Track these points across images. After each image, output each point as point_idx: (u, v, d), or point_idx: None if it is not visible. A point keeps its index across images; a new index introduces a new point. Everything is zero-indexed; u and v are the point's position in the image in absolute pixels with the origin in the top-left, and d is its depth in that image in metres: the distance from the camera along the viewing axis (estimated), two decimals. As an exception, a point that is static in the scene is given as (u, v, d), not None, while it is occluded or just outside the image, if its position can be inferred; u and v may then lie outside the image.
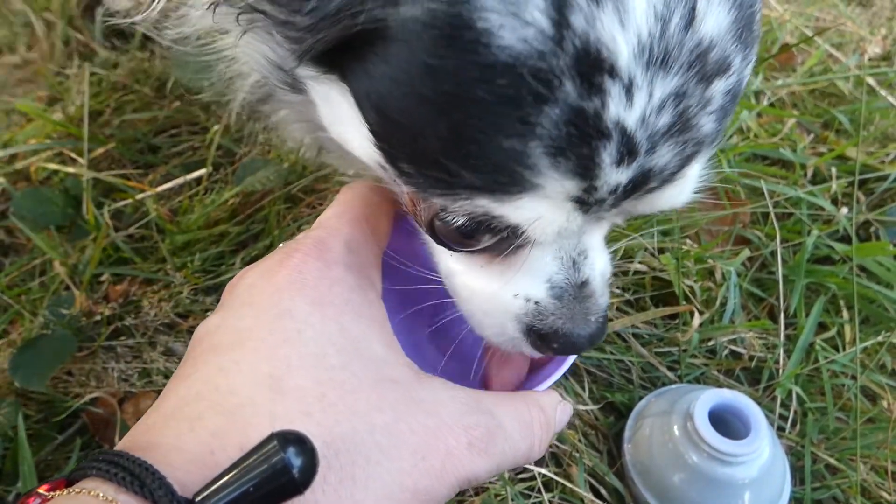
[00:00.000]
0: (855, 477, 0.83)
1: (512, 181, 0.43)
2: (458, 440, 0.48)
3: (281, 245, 0.55)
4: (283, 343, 0.46)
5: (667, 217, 0.99)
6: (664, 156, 0.44)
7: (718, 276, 0.98)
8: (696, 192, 0.51)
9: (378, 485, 0.43)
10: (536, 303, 0.54)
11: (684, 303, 0.94)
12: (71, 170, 1.01)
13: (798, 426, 0.90)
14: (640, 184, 0.45)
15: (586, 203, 0.45)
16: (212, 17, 0.54)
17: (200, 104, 1.07)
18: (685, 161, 0.46)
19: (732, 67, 0.44)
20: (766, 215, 1.04)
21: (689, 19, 0.40)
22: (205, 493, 0.36)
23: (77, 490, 0.38)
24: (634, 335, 0.93)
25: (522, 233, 0.47)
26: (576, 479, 0.80)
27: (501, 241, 0.49)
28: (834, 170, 1.11)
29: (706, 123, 0.45)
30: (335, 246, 0.53)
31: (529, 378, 0.62)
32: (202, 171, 1.02)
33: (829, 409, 0.89)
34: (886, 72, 1.29)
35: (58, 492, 0.38)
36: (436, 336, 0.62)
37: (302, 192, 1.02)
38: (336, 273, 0.51)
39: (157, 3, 0.65)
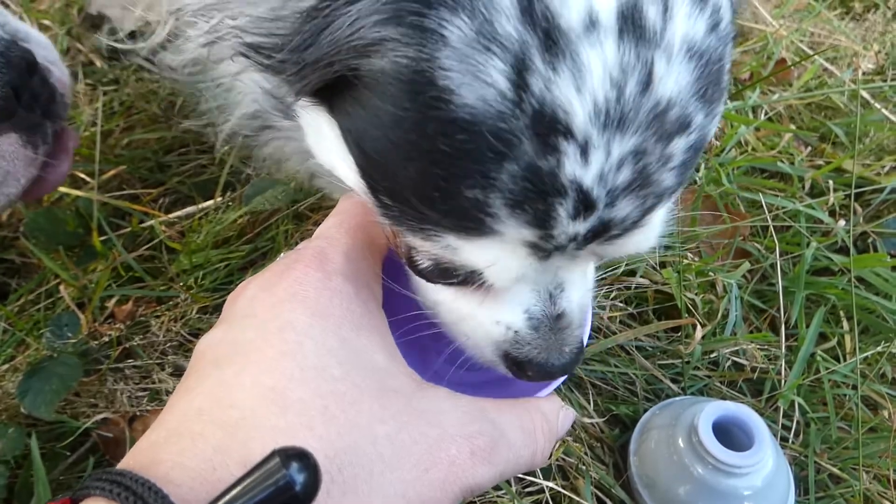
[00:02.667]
0: (858, 486, 0.84)
1: (474, 226, 0.45)
2: (461, 450, 0.48)
3: (282, 255, 0.55)
4: (285, 356, 0.46)
5: (668, 232, 1.01)
6: (624, 209, 0.45)
7: (720, 288, 1.00)
8: (662, 237, 0.52)
9: (381, 497, 0.43)
10: (515, 332, 0.56)
11: (686, 316, 0.95)
12: (81, 193, 1.03)
13: (801, 436, 0.91)
14: (602, 232, 0.47)
15: (543, 249, 0.47)
16: (208, 51, 0.56)
17: (208, 124, 1.09)
18: (646, 211, 0.47)
19: (693, 125, 0.45)
20: (765, 228, 1.06)
21: (646, 83, 0.42)
22: None
23: None
24: (638, 348, 0.94)
25: (482, 276, 0.49)
26: (583, 492, 0.81)
27: (468, 281, 0.52)
28: (831, 182, 1.13)
29: (667, 178, 0.46)
30: (335, 256, 0.53)
31: (531, 385, 0.63)
32: (211, 203, 1.04)
33: (831, 419, 0.90)
34: (881, 85, 1.32)
35: None
36: (439, 342, 0.63)
37: (309, 209, 1.04)
38: (336, 284, 0.51)
39: (163, 29, 0.68)
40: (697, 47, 0.44)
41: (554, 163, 0.42)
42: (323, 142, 0.54)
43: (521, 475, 0.82)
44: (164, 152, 1.13)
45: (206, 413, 0.44)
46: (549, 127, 0.41)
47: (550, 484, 0.81)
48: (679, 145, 0.45)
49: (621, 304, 0.98)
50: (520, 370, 0.57)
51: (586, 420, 0.87)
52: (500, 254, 0.47)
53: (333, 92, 0.48)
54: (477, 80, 0.41)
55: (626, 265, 0.98)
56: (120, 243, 0.97)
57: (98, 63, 1.26)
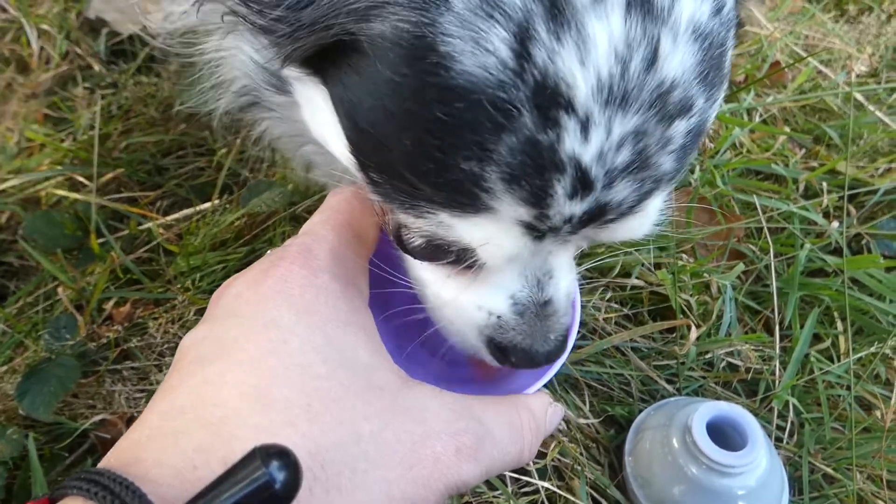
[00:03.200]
0: (852, 486, 0.84)
1: (469, 201, 0.44)
2: (446, 447, 0.48)
3: (268, 252, 0.54)
4: (269, 354, 0.46)
5: (663, 233, 1.01)
6: (622, 191, 0.45)
7: (714, 289, 1.01)
8: (657, 225, 0.51)
9: (364, 494, 0.43)
10: (498, 317, 0.55)
11: (681, 317, 0.96)
12: (80, 196, 1.03)
13: (795, 436, 0.91)
14: (597, 215, 0.46)
15: (537, 230, 0.46)
16: (196, 15, 0.54)
17: (206, 126, 1.10)
18: (643, 196, 0.46)
19: (695, 108, 0.44)
20: (759, 229, 1.06)
21: (651, 60, 0.41)
22: None
23: None
24: (633, 349, 0.95)
25: (474, 255, 0.48)
26: (578, 492, 0.82)
27: (460, 260, 0.51)
28: (825, 184, 1.13)
29: (666, 162, 0.45)
30: (321, 253, 0.52)
31: (518, 380, 0.62)
32: (208, 205, 1.04)
33: (825, 419, 0.91)
34: (875, 88, 1.32)
35: None
36: (426, 339, 0.62)
37: (306, 211, 1.04)
38: (321, 281, 0.50)
39: (172, 23, 0.66)
40: (703, 29, 0.43)
41: (553, 137, 0.41)
42: (316, 115, 0.53)
43: (516, 475, 0.82)
44: (162, 155, 1.14)
45: (188, 411, 0.43)
46: (551, 99, 0.40)
47: (546, 484, 0.81)
48: (680, 128, 0.44)
49: (616, 306, 0.98)
50: (503, 356, 0.56)
51: (582, 421, 0.88)
52: (494, 232, 0.46)
53: (327, 60, 0.47)
54: (478, 48, 0.40)
55: (622, 267, 0.99)
56: (118, 246, 0.98)
57: (96, 67, 1.27)
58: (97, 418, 0.84)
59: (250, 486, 0.34)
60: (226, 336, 0.48)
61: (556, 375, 0.61)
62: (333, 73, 0.48)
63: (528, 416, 0.55)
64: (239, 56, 0.61)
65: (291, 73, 0.52)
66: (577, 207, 0.44)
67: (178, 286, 0.96)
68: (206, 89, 0.71)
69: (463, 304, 0.56)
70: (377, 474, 0.44)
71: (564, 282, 0.55)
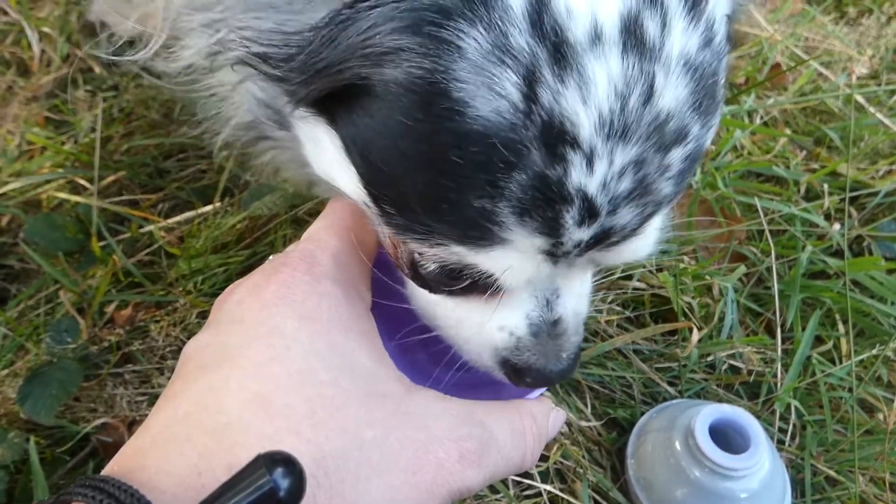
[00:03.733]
0: (854, 488, 0.84)
1: (482, 236, 0.46)
2: (449, 453, 0.48)
3: (271, 257, 0.55)
4: (272, 360, 0.46)
5: (664, 238, 1.01)
6: (625, 216, 0.47)
7: (716, 292, 1.00)
8: (658, 244, 0.54)
9: (368, 501, 0.43)
10: (518, 338, 0.56)
11: (683, 319, 0.96)
12: (81, 199, 1.03)
13: (797, 439, 0.91)
14: (603, 239, 0.48)
15: (555, 255, 0.48)
16: (209, 61, 0.56)
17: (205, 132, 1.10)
18: (645, 219, 0.49)
19: (690, 136, 0.46)
20: (761, 232, 1.06)
21: (648, 96, 0.43)
22: None
23: None
24: (635, 351, 0.95)
25: (495, 280, 0.50)
26: (580, 494, 0.81)
27: (476, 284, 0.52)
28: (826, 186, 1.13)
29: (665, 187, 0.48)
30: (323, 259, 0.53)
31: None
32: (209, 208, 1.04)
33: (827, 421, 0.91)
34: (875, 90, 1.33)
35: None
36: (429, 345, 0.63)
37: (307, 214, 1.04)
38: (324, 287, 0.51)
39: (158, 41, 0.67)
40: (692, 61, 0.45)
41: (561, 171, 0.43)
42: (322, 153, 0.54)
43: (518, 478, 0.82)
44: (164, 158, 1.14)
45: (192, 418, 0.43)
46: (558, 137, 0.42)
47: (548, 487, 0.81)
48: (677, 155, 0.46)
49: (619, 308, 0.98)
50: (518, 376, 0.57)
51: (584, 423, 0.88)
52: (513, 259, 0.48)
53: (336, 101, 0.48)
54: (491, 93, 0.41)
55: (623, 269, 0.99)
56: (119, 249, 0.98)
57: (97, 69, 1.27)
58: (99, 422, 0.84)
59: (255, 494, 0.35)
60: (229, 342, 0.48)
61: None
62: (344, 114, 0.49)
63: (531, 422, 0.56)
64: (241, 92, 0.62)
65: (296, 112, 0.53)
66: (585, 233, 0.46)
67: (180, 289, 0.96)
68: (209, 119, 0.71)
69: (482, 324, 0.57)
70: (381, 481, 0.44)
71: (572, 301, 0.57)
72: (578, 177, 0.43)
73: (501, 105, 0.41)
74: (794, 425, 0.91)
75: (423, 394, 0.51)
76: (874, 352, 0.95)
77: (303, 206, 1.03)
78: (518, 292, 0.54)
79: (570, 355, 0.57)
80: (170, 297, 0.96)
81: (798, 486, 0.86)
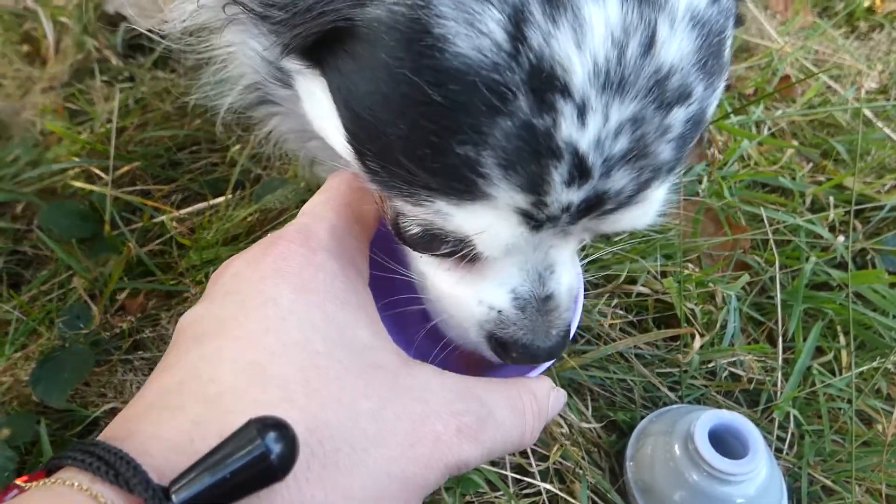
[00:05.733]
0: (850, 499, 0.85)
1: (465, 188, 0.44)
2: (447, 427, 0.47)
3: (270, 234, 0.54)
4: (267, 331, 0.45)
5: (670, 241, 1.03)
6: (620, 180, 0.44)
7: (719, 299, 1.01)
8: (660, 216, 0.50)
9: (363, 472, 0.43)
10: (499, 311, 0.54)
11: (685, 325, 0.97)
12: (95, 188, 1.05)
13: (795, 448, 0.92)
14: (596, 205, 0.45)
15: (535, 219, 0.45)
16: (198, 4, 0.54)
17: (221, 123, 1.11)
18: (642, 186, 0.46)
19: (694, 95, 0.44)
20: (765, 241, 1.07)
21: (648, 46, 0.41)
22: (182, 482, 0.35)
23: (52, 480, 0.38)
24: (637, 356, 0.96)
25: (471, 245, 0.48)
26: (579, 495, 0.82)
27: (458, 250, 0.50)
28: (832, 199, 1.14)
29: (664, 150, 0.45)
30: (320, 233, 0.52)
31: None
32: (221, 200, 1.05)
33: (825, 431, 0.92)
34: (884, 105, 1.33)
35: (34, 483, 0.38)
36: (427, 320, 0.62)
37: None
38: (320, 260, 0.50)
39: (183, 21, 0.67)
40: (700, 16, 0.42)
41: (549, 122, 0.40)
42: (316, 107, 0.53)
43: (518, 476, 0.83)
44: (177, 150, 1.15)
45: (185, 387, 0.43)
46: (546, 83, 0.40)
47: (548, 486, 0.82)
48: (678, 116, 0.44)
49: (622, 312, 0.99)
50: (504, 351, 0.55)
51: (584, 425, 0.89)
52: (491, 220, 0.45)
53: (325, 49, 0.47)
54: (473, 29, 0.39)
55: (628, 274, 1.00)
56: (132, 238, 0.99)
57: (114, 60, 1.28)
58: (108, 407, 0.85)
59: (246, 458, 0.34)
60: (224, 314, 0.47)
61: (557, 368, 0.60)
62: (331, 62, 0.48)
63: (531, 399, 0.55)
64: (245, 51, 0.61)
65: (293, 65, 0.52)
66: (575, 195, 0.44)
67: (190, 279, 0.97)
68: (214, 84, 0.71)
69: (463, 297, 0.55)
70: (377, 452, 0.44)
71: (567, 276, 0.55)
72: (569, 129, 0.40)
73: (483, 43, 0.39)
74: (793, 434, 0.92)
75: (421, 368, 0.50)
76: (874, 364, 0.96)
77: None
78: (504, 264, 0.52)
79: (560, 332, 0.55)
80: (180, 286, 0.97)
81: (795, 495, 0.87)
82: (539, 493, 0.82)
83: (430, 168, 0.44)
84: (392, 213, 0.53)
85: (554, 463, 0.84)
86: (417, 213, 0.48)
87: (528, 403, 0.54)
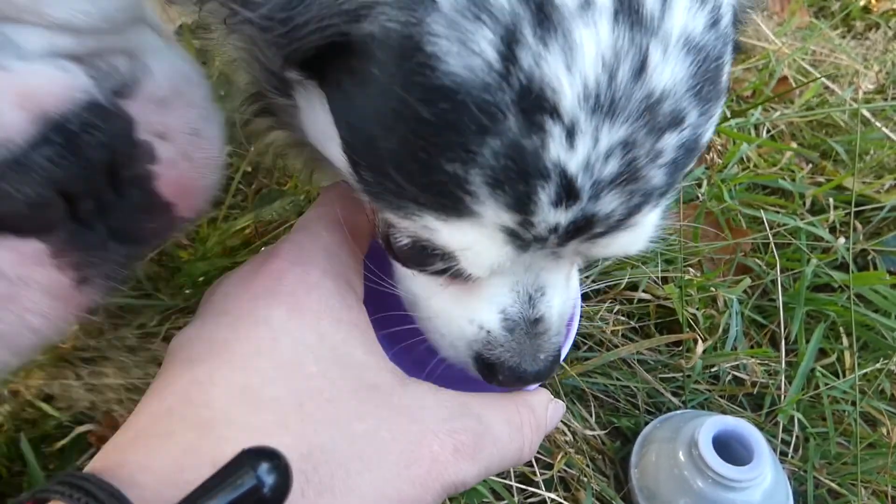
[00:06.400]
0: (856, 502, 0.85)
1: (452, 204, 0.44)
2: (444, 446, 0.47)
3: (263, 249, 0.54)
4: (258, 353, 0.45)
5: (671, 246, 1.02)
6: (609, 203, 0.44)
7: (721, 303, 1.01)
8: (652, 242, 0.50)
9: (359, 496, 0.42)
10: (488, 332, 0.53)
11: (688, 330, 0.96)
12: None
13: (800, 451, 0.92)
14: (585, 228, 0.45)
15: (521, 238, 0.45)
16: (198, 14, 0.53)
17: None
18: (633, 210, 0.46)
19: (687, 121, 0.44)
20: (766, 244, 1.07)
21: (639, 70, 0.41)
22: None
23: None
24: (640, 361, 0.95)
25: (457, 262, 0.48)
26: (584, 503, 0.82)
27: (448, 267, 0.49)
28: (832, 200, 1.14)
29: (656, 175, 0.45)
30: (314, 250, 0.51)
31: None
32: (218, 211, 1.05)
33: (830, 434, 0.91)
34: (882, 105, 1.33)
35: None
36: (421, 337, 0.61)
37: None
38: (314, 278, 0.50)
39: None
40: (696, 42, 0.42)
41: (538, 143, 0.40)
42: (314, 116, 0.53)
43: (522, 485, 0.83)
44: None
45: (176, 413, 0.42)
46: (536, 104, 0.40)
47: (552, 495, 0.82)
48: (670, 141, 0.44)
49: (624, 318, 0.99)
50: (490, 373, 0.55)
51: (588, 432, 0.88)
52: (477, 237, 0.45)
53: (324, 62, 0.47)
54: (465, 49, 0.40)
55: (629, 279, 1.00)
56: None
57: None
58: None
59: (237, 491, 0.34)
60: (215, 336, 0.47)
61: (560, 375, 0.59)
62: (330, 74, 0.48)
63: (528, 413, 0.54)
64: (245, 56, 0.61)
65: (293, 76, 0.52)
66: (563, 217, 0.43)
67: (185, 295, 0.97)
68: (217, 89, 0.70)
69: (454, 316, 0.55)
70: (372, 475, 0.43)
71: (558, 300, 0.54)
72: (557, 151, 0.41)
73: (475, 63, 0.40)
74: (798, 437, 0.92)
75: (417, 385, 0.50)
76: (878, 365, 0.95)
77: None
78: (495, 283, 0.52)
79: (549, 357, 0.54)
80: (180, 300, 0.97)
81: (801, 498, 0.86)
82: (544, 501, 0.82)
83: (419, 183, 0.44)
84: (383, 225, 0.53)
85: (558, 471, 0.84)
86: (406, 227, 0.48)
87: (526, 417, 0.54)
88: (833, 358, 0.99)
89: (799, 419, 0.92)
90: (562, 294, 0.55)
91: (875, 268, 1.10)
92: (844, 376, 0.97)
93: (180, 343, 0.48)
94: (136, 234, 0.45)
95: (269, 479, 0.34)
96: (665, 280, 1.01)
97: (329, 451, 0.42)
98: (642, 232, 0.48)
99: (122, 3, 0.43)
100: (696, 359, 0.94)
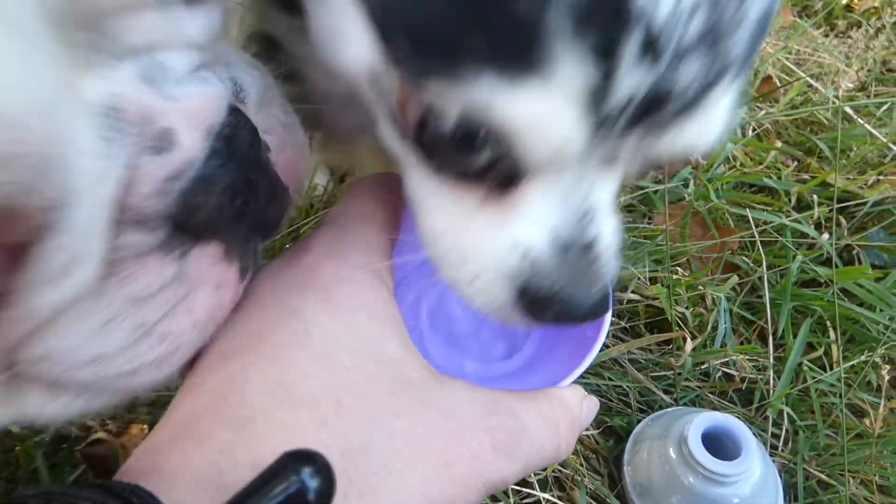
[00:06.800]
0: (844, 492, 0.87)
1: (522, 54, 0.38)
2: (482, 443, 0.45)
3: (288, 246, 0.54)
4: (293, 346, 0.44)
5: (658, 247, 1.05)
6: (688, 71, 0.39)
7: (709, 301, 1.03)
8: (724, 133, 0.45)
9: (401, 497, 0.41)
10: (535, 257, 0.46)
11: (677, 329, 0.99)
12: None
13: (790, 444, 0.94)
14: (658, 103, 0.40)
15: (597, 109, 0.39)
16: None
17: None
18: (709, 84, 0.41)
19: None
20: (753, 242, 1.09)
21: None
22: None
23: None
24: (631, 361, 0.98)
25: (513, 150, 0.42)
26: (579, 502, 0.84)
27: (495, 164, 0.44)
28: (815, 197, 1.16)
29: (737, 43, 0.41)
30: (345, 243, 0.50)
31: (551, 373, 0.57)
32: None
33: (818, 426, 0.93)
34: (865, 102, 1.36)
35: None
36: (454, 337, 0.60)
37: (310, 231, 1.07)
38: (346, 272, 0.48)
39: None
40: None
41: None
42: (329, 16, 0.47)
43: (517, 486, 0.85)
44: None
45: (211, 412, 0.41)
46: None
47: (547, 495, 0.84)
48: (754, 6, 0.40)
49: (614, 319, 1.01)
50: (539, 310, 0.47)
51: (582, 432, 0.90)
52: (546, 106, 0.39)
53: None
54: None
55: (618, 281, 1.02)
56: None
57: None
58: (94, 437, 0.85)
59: (281, 496, 0.33)
60: (247, 329, 0.46)
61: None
62: None
63: (564, 410, 0.52)
64: None
65: None
66: (643, 80, 0.38)
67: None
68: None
69: (491, 246, 0.48)
70: (413, 474, 0.42)
71: (608, 226, 0.48)
72: None
73: None
74: (787, 431, 0.94)
75: (451, 382, 0.48)
76: (863, 357, 0.97)
77: (304, 221, 1.06)
78: (540, 199, 0.45)
79: (602, 290, 0.47)
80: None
81: (791, 491, 0.88)
82: (539, 502, 0.84)
83: (477, 30, 0.38)
84: (419, 110, 0.45)
85: (553, 471, 0.86)
86: (454, 101, 0.41)
87: (561, 414, 0.51)
88: (820, 352, 1.01)
89: (788, 413, 0.94)
90: (610, 220, 0.49)
91: (860, 262, 1.12)
92: (832, 369, 0.99)
93: (213, 337, 0.46)
94: (267, 221, 0.48)
95: (313, 483, 0.33)
96: (654, 280, 1.03)
97: (368, 451, 0.41)
98: (715, 117, 0.43)
99: (220, 18, 0.45)
100: (685, 357, 0.96)
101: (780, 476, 0.87)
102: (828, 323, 1.04)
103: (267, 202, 0.46)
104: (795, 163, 1.28)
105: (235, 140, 0.42)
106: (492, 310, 0.50)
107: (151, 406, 0.87)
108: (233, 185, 0.42)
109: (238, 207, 0.43)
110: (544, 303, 0.47)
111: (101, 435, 0.83)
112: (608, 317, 0.55)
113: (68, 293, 0.35)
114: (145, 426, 0.84)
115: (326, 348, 0.44)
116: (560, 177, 0.44)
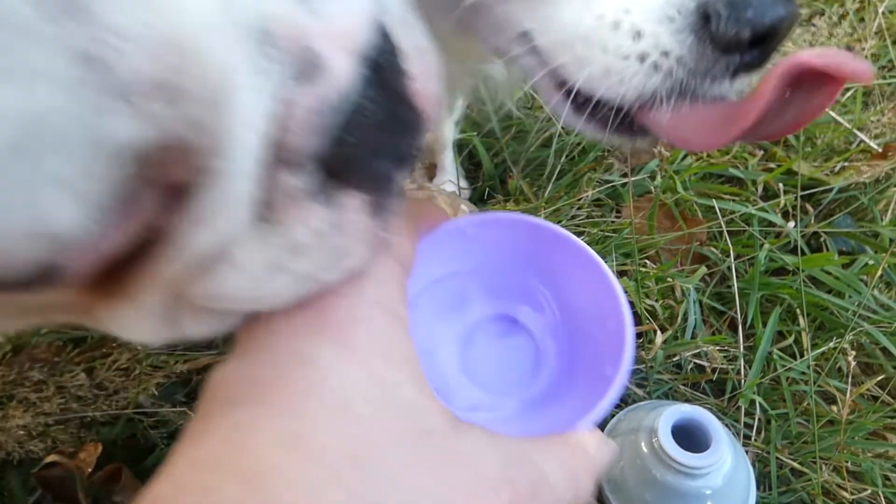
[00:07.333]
0: (817, 479, 0.87)
1: None
2: (500, 497, 0.43)
3: None
4: (305, 394, 0.42)
5: (626, 240, 1.04)
6: None
7: (679, 293, 1.03)
8: None
9: None
10: None
11: (647, 322, 0.98)
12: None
13: (763, 433, 0.94)
14: None
15: None
16: None
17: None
18: None
19: None
20: (721, 232, 1.09)
21: None
22: None
23: None
24: (602, 356, 0.97)
25: None
26: (552, 500, 0.83)
27: None
28: (781, 185, 1.17)
29: None
30: (360, 280, 0.48)
31: (565, 416, 0.55)
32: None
33: (790, 415, 0.93)
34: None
35: None
36: (470, 367, 0.58)
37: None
38: (362, 311, 0.46)
39: None
40: None
41: None
42: None
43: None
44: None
45: (220, 462, 0.39)
46: None
47: (520, 494, 0.83)
48: None
49: (584, 314, 1.00)
50: (732, 11, 0.42)
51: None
52: None
53: None
54: None
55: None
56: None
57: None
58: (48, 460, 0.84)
59: None
60: (258, 374, 0.44)
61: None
62: None
63: (583, 457, 0.50)
64: None
65: None
66: None
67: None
68: None
69: None
70: None
71: None
72: None
73: None
74: (760, 420, 0.94)
75: (470, 430, 0.46)
76: (832, 344, 0.98)
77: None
78: None
79: None
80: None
81: (765, 480, 0.88)
82: (513, 501, 0.83)
83: None
84: None
85: (526, 470, 0.85)
86: None
87: (581, 462, 0.50)
88: (790, 340, 1.01)
89: (760, 402, 0.94)
90: None
91: (827, 249, 1.13)
92: (802, 357, 0.99)
93: (220, 379, 0.45)
94: (404, 152, 0.43)
95: None
96: (622, 273, 1.03)
97: None
98: None
99: None
100: (656, 349, 0.96)
101: (754, 466, 0.87)
102: (798, 311, 1.04)
103: (412, 138, 0.42)
104: (762, 152, 1.28)
105: (384, 67, 0.37)
106: (678, 60, 0.44)
107: (102, 426, 0.84)
108: (385, 120, 0.38)
109: (386, 145, 0.39)
110: (737, 5, 0.41)
111: (54, 458, 0.80)
112: (629, 356, 0.51)
113: (222, 235, 0.33)
114: (99, 445, 0.81)
115: (342, 396, 0.42)
116: None
